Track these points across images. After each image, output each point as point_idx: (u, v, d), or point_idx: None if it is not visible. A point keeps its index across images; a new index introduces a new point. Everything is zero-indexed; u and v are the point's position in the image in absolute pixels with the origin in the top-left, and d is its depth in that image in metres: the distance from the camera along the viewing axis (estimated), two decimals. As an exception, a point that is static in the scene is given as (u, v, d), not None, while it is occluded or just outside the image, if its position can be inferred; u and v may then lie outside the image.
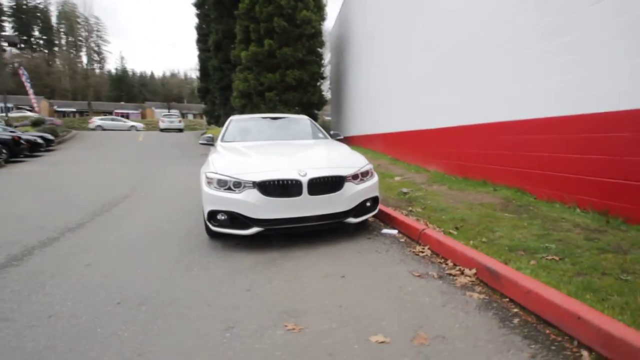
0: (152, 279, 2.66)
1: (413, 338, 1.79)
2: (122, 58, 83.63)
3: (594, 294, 1.99)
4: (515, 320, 1.94)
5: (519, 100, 4.56)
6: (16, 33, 46.57)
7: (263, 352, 1.73)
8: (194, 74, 51.60)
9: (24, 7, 53.10)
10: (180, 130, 27.94)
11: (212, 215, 3.18)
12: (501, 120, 4.89)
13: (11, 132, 12.71)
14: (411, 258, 2.94)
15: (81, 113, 47.18)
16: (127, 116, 44.57)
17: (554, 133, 3.98)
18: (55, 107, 46.24)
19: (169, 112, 38.00)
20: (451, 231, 3.30)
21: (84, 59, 53.97)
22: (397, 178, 6.40)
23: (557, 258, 2.54)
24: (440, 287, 2.38)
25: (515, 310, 2.05)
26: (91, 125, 28.37)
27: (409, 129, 7.96)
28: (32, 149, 12.75)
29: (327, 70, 16.67)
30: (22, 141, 11.88)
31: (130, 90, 63.09)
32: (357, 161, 3.65)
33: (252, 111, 12.59)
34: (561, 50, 3.84)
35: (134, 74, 68.02)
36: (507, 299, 2.17)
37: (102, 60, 58.31)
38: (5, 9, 49.77)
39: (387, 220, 4.00)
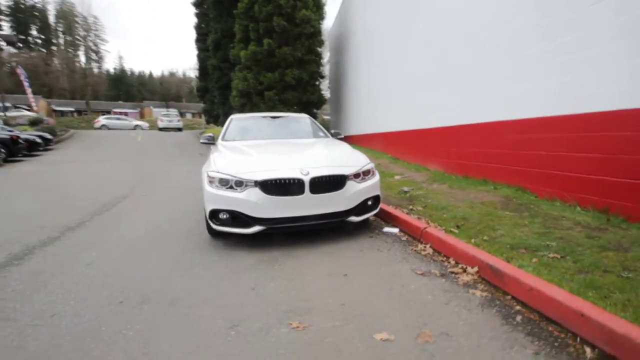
0: (154, 278, 2.66)
1: (417, 336, 1.80)
2: (120, 57, 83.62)
3: (596, 292, 2.00)
4: (518, 318, 1.94)
5: (519, 100, 4.57)
6: (14, 32, 46.36)
7: (268, 350, 1.73)
8: (193, 73, 51.56)
9: (22, 6, 52.80)
10: (179, 129, 27.90)
11: (214, 214, 3.18)
12: (501, 119, 4.90)
13: (9, 131, 12.65)
14: (413, 256, 2.95)
15: (79, 112, 47.02)
16: (125, 115, 44.42)
17: (554, 132, 3.99)
18: (54, 107, 46.01)
19: (167, 111, 37.85)
20: (452, 230, 3.31)
21: (82, 58, 53.75)
22: (397, 177, 6.41)
23: (558, 256, 2.55)
24: (443, 285, 2.39)
25: (518, 307, 2.06)
26: (96, 125, 28.76)
27: (408, 128, 7.97)
28: (31, 149, 12.73)
29: (326, 70, 16.67)
30: (20, 140, 11.85)
31: (128, 89, 62.91)
32: (358, 160, 3.65)
33: (251, 110, 12.57)
34: (561, 50, 3.85)
35: (132, 73, 67.84)
36: (510, 297, 2.18)
37: (100, 60, 58.05)
38: (2, 8, 49.51)
39: (388, 218, 4.01)
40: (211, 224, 3.24)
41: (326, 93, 16.33)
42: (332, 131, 5.04)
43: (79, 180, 7.95)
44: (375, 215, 3.77)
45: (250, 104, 13.18)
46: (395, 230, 3.66)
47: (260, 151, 3.84)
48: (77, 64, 52.93)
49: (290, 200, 3.09)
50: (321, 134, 4.94)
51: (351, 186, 3.32)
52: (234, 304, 2.22)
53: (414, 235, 3.42)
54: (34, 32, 55.11)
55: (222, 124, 19.14)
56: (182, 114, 45.83)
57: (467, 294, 2.24)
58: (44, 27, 54.82)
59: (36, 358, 1.72)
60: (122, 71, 64.67)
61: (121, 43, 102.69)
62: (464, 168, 5.83)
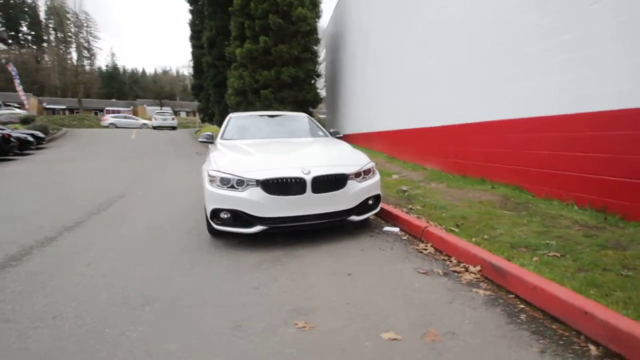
0: (154, 278, 2.64)
1: (424, 334, 1.81)
2: (112, 54, 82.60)
3: (597, 290, 2.03)
4: (523, 316, 1.96)
5: (518, 99, 4.60)
6: (3, 28, 45.60)
7: (274, 350, 1.73)
8: (187, 71, 51.19)
9: (12, 1, 51.95)
10: (174, 127, 27.70)
11: (215, 213, 3.16)
12: (500, 118, 4.93)
13: (0, 129, 12.44)
14: (415, 255, 2.96)
15: (71, 110, 46.40)
16: (118, 113, 43.95)
17: (553, 131, 4.03)
18: (45, 104, 45.40)
19: (161, 109, 37.56)
20: (452, 229, 3.33)
21: (74, 55, 52.97)
22: (394, 176, 6.43)
23: (558, 254, 2.58)
24: (446, 284, 2.41)
25: (522, 306, 2.08)
26: (104, 123, 28.94)
27: (406, 127, 7.99)
28: (22, 147, 12.51)
29: (322, 68, 16.63)
30: (12, 139, 11.65)
31: (121, 87, 62.23)
32: (359, 159, 3.66)
33: (247, 109, 12.49)
34: (561, 49, 3.88)
35: (125, 70, 67.12)
36: (513, 295, 2.20)
37: (92, 57, 57.36)
38: (-9, 3, 48.69)
39: (388, 218, 4.02)
40: (212, 224, 3.22)
41: (322, 92, 16.30)
42: (331, 130, 5.04)
43: (73, 179, 7.85)
44: (375, 214, 3.78)
45: (246, 102, 13.10)
46: (396, 229, 3.67)
47: (260, 150, 3.82)
48: (69, 61, 52.18)
49: (291, 199, 3.08)
50: (320, 133, 4.94)
51: (352, 185, 3.32)
52: (238, 303, 2.21)
53: (414, 234, 3.44)
54: (24, 29, 54.32)
55: (217, 123, 19.06)
56: (176, 113, 45.45)
57: (471, 293, 2.25)
58: (35, 23, 54.03)
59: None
60: (115, 68, 63.96)
61: (113, 40, 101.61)
62: (461, 167, 5.86)
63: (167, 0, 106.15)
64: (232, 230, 3.18)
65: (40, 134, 15.26)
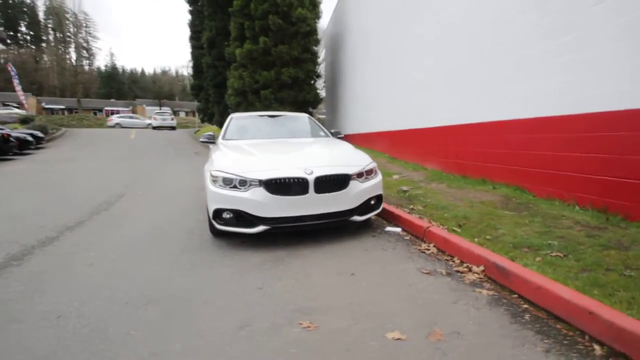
0: (156, 278, 2.64)
1: (428, 334, 1.81)
2: (111, 54, 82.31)
3: (600, 290, 2.04)
4: (527, 316, 1.97)
5: (518, 100, 4.61)
6: (2, 28, 45.49)
7: (279, 350, 1.73)
8: (186, 71, 51.17)
9: (10, 1, 51.84)
10: (173, 128, 27.67)
11: (218, 213, 3.16)
12: (501, 119, 4.94)
13: (0, 129, 12.41)
14: (418, 255, 2.97)
15: (70, 110, 46.30)
16: (117, 113, 43.93)
17: (554, 132, 4.04)
18: (44, 104, 45.31)
19: (160, 109, 37.58)
20: (455, 229, 3.33)
21: (73, 55, 52.79)
22: (395, 176, 6.43)
23: (561, 255, 2.59)
24: (450, 284, 2.41)
25: (525, 306, 2.08)
26: (110, 123, 29.54)
27: (406, 127, 8.00)
28: (22, 147, 12.49)
29: (321, 69, 16.64)
30: (11, 139, 11.62)
31: (120, 87, 62.17)
32: (361, 159, 3.66)
33: (246, 109, 12.49)
34: (562, 51, 3.89)
35: (124, 70, 67.06)
36: (516, 295, 2.20)
37: (91, 57, 57.26)
38: (-10, 3, 48.59)
39: (389, 218, 4.02)
40: (215, 224, 3.22)
41: (322, 92, 16.30)
42: (333, 130, 5.04)
43: (73, 179, 7.83)
44: (376, 214, 3.78)
45: (245, 102, 13.10)
46: (398, 229, 3.68)
47: (262, 150, 3.82)
48: (68, 61, 52.04)
49: (294, 199, 3.08)
50: (322, 133, 4.94)
51: (354, 185, 3.32)
52: (242, 303, 2.21)
53: (416, 234, 3.44)
54: (23, 29, 54.21)
55: (217, 123, 19.03)
56: (175, 113, 45.42)
57: (474, 293, 2.26)
58: (33, 23, 53.95)
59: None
60: (114, 68, 63.90)
61: (112, 40, 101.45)
62: (462, 167, 5.87)
63: (167, 1, 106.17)
64: (234, 230, 3.18)
65: (40, 134, 15.24)
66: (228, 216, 3.14)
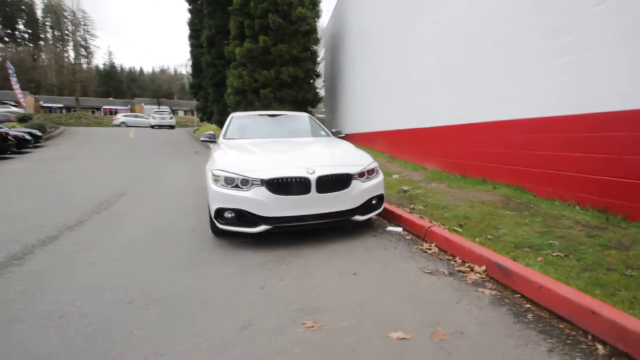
0: (158, 277, 2.63)
1: (432, 334, 1.81)
2: (110, 53, 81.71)
3: (602, 289, 2.05)
4: (529, 316, 1.98)
5: (518, 100, 4.62)
6: (0, 27, 45.26)
7: (283, 350, 1.73)
8: (185, 69, 51.08)
9: (8, -1, 51.60)
10: (172, 126, 27.64)
11: (219, 213, 3.16)
12: (501, 119, 4.95)
13: (-2, 127, 12.36)
14: (419, 255, 2.97)
15: (68, 109, 46.16)
16: (115, 112, 43.85)
17: (555, 132, 4.05)
18: (42, 103, 45.16)
19: (159, 108, 37.57)
20: (456, 228, 3.34)
21: (71, 54, 52.60)
22: (395, 176, 6.44)
23: (562, 254, 2.60)
24: (452, 283, 2.41)
25: (528, 305, 2.09)
26: (116, 122, 29.74)
27: (406, 127, 8.00)
28: (20, 146, 12.44)
29: (321, 68, 16.63)
30: (9, 137, 11.57)
31: (118, 85, 62.02)
32: (363, 159, 3.66)
33: (246, 108, 12.47)
34: (562, 51, 3.90)
35: (122, 69, 66.85)
36: (519, 295, 2.21)
37: (89, 55, 56.94)
38: (-12, 1, 48.31)
39: (390, 217, 4.02)
40: (216, 223, 3.21)
41: (321, 91, 16.29)
42: (334, 130, 5.04)
43: (72, 178, 7.81)
44: (377, 214, 3.78)
45: (245, 101, 13.07)
46: (399, 229, 3.68)
47: (264, 149, 3.82)
48: (66, 60, 51.85)
49: (296, 199, 3.08)
50: (322, 132, 4.94)
51: (356, 185, 3.32)
52: (244, 303, 2.21)
53: (418, 234, 3.45)
54: (21, 27, 53.94)
55: (216, 122, 18.99)
56: (174, 112, 45.34)
57: (477, 293, 2.26)
58: (31, 21, 53.68)
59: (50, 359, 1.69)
60: (112, 67, 63.68)
61: (111, 38, 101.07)
62: (462, 167, 5.88)
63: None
64: (236, 229, 3.18)
65: (38, 133, 15.18)
66: (230, 215, 3.14)
